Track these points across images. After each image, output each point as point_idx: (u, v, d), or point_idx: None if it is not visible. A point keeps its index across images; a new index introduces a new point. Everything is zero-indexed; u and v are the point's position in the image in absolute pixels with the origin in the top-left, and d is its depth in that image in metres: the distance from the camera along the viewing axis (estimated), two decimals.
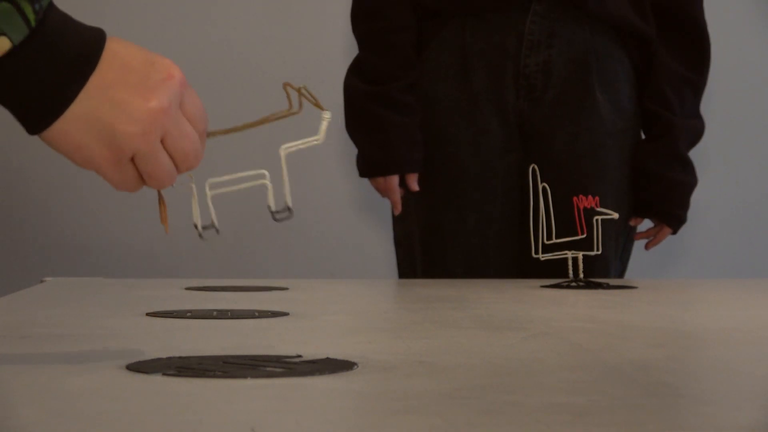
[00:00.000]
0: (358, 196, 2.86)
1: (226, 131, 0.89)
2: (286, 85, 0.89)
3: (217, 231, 0.95)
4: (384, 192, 1.91)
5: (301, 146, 0.94)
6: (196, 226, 0.95)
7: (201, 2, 2.87)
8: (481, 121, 1.87)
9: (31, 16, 0.76)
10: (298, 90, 0.90)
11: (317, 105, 0.90)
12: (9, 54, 0.76)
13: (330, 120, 0.91)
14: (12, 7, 0.75)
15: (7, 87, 0.77)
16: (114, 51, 0.79)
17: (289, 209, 0.95)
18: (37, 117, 0.78)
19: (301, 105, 0.90)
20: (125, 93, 0.79)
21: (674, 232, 1.96)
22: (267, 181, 0.94)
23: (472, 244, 1.87)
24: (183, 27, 2.84)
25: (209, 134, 0.86)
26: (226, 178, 0.94)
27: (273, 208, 0.95)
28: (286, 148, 0.94)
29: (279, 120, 0.91)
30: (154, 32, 2.82)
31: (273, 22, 2.88)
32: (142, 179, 0.82)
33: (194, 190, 0.92)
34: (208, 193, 0.94)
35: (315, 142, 0.93)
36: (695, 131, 1.94)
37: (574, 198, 1.61)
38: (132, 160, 0.80)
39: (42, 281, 1.64)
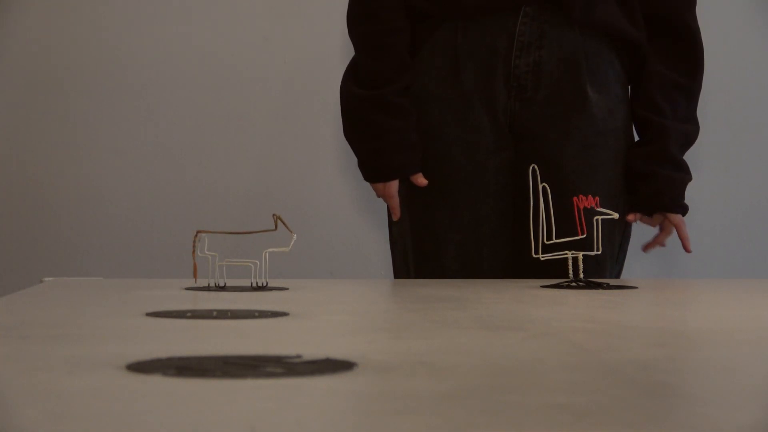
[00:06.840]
0: (357, 197, 2.86)
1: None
2: (274, 216, 1.29)
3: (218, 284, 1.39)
4: (383, 197, 1.93)
5: (276, 251, 1.37)
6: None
7: (201, 2, 2.87)
8: (473, 121, 1.87)
9: None
10: (278, 217, 1.29)
11: (288, 229, 1.30)
12: None
13: (296, 240, 1.34)
14: None
15: None
16: None
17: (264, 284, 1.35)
18: None
19: (276, 226, 1.29)
20: None
21: (683, 214, 1.94)
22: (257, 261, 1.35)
23: (464, 242, 1.88)
24: (183, 27, 2.84)
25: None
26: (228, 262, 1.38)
27: (252, 284, 1.33)
28: (266, 252, 1.33)
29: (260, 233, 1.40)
30: (154, 32, 2.82)
31: (273, 22, 2.88)
32: None
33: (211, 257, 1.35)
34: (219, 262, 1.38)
35: (284, 251, 1.36)
36: (688, 135, 1.94)
37: (574, 198, 1.61)
38: None
39: (42, 281, 1.64)
